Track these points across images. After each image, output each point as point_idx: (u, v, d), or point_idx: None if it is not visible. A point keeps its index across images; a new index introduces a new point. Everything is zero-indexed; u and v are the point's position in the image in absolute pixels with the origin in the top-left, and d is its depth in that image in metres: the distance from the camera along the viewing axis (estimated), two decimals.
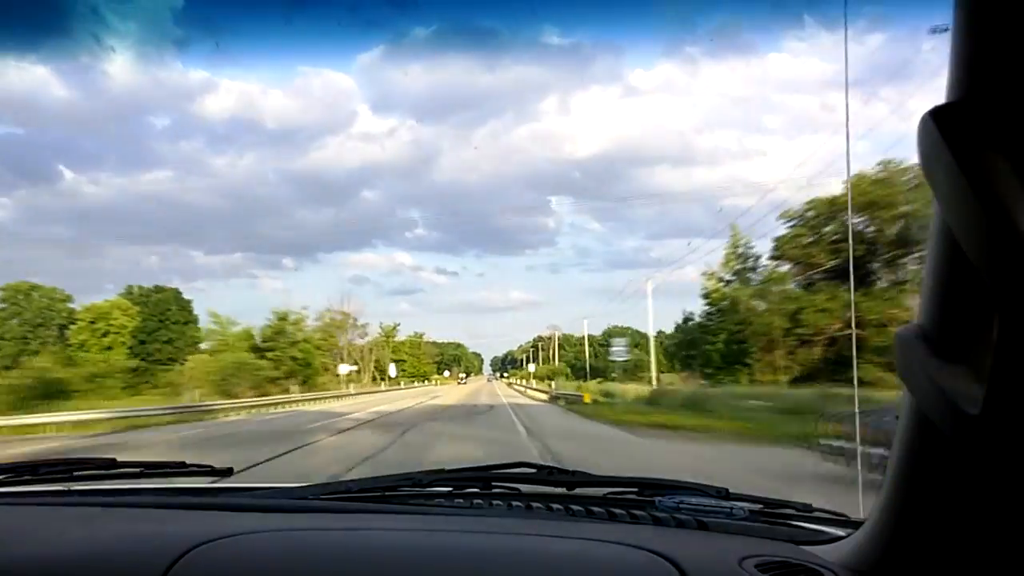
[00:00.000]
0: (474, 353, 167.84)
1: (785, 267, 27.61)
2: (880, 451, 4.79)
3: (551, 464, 1.49)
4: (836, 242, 24.78)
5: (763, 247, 29.83)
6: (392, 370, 60.49)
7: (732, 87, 70.51)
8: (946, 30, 0.50)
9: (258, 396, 31.86)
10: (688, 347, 34.52)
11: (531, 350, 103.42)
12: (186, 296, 47.29)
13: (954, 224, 0.51)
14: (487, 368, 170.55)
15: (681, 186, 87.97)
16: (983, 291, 0.52)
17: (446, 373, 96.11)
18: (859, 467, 3.80)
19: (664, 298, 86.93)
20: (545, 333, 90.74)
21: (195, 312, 44.81)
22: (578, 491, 1.43)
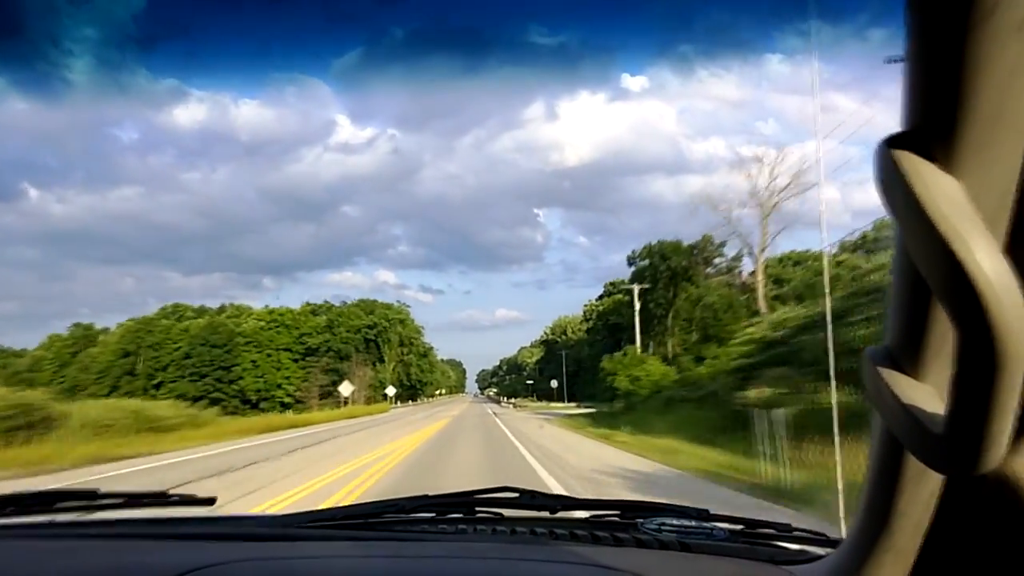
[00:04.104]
0: (450, 361, 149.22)
1: None
2: None
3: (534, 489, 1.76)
4: None
5: None
6: None
7: (727, 90, 67.73)
8: (901, 60, 0.56)
9: None
10: None
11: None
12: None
13: (911, 248, 0.58)
14: (472, 385, 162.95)
15: (673, 195, 76.59)
16: (943, 312, 0.59)
17: None
18: (839, 488, 4.22)
19: None
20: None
21: None
22: (561, 514, 1.62)
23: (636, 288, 43.15)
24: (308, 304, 77.91)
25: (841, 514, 3.74)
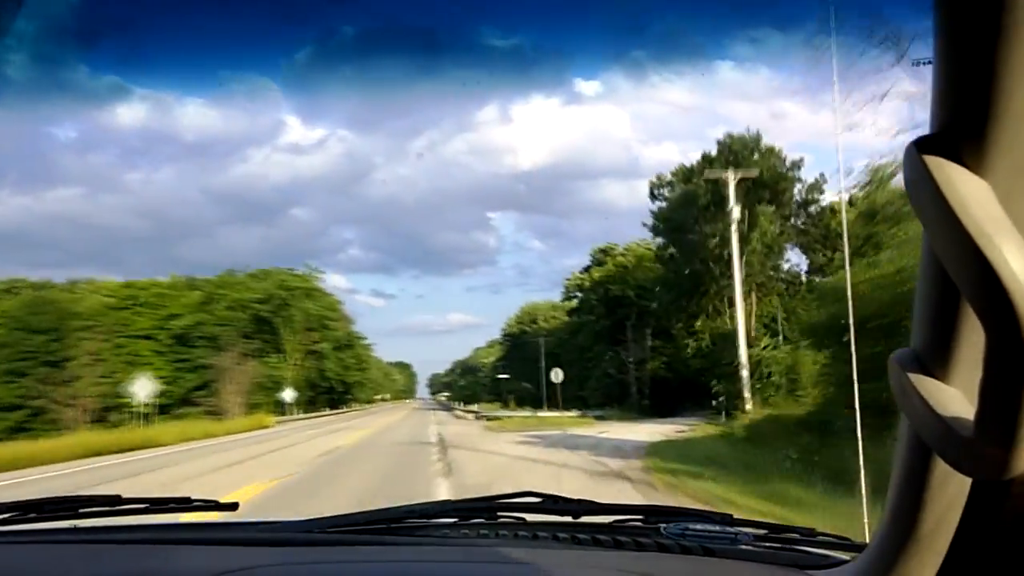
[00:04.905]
0: (398, 364, 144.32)
1: None
2: None
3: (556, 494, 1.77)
4: None
5: None
6: None
7: (679, 96, 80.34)
8: (928, 63, 0.56)
9: None
10: None
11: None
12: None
13: (940, 251, 0.59)
14: (423, 390, 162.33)
15: (627, 201, 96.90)
16: (971, 315, 0.59)
17: None
18: (863, 492, 4.04)
19: None
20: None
21: None
22: (584, 519, 1.63)
23: (732, 177, 23.17)
24: (190, 277, 56.58)
25: (865, 519, 3.72)
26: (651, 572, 1.28)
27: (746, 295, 32.23)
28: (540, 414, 40.35)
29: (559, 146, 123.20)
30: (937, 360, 0.65)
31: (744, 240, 30.22)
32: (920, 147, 0.57)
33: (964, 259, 0.54)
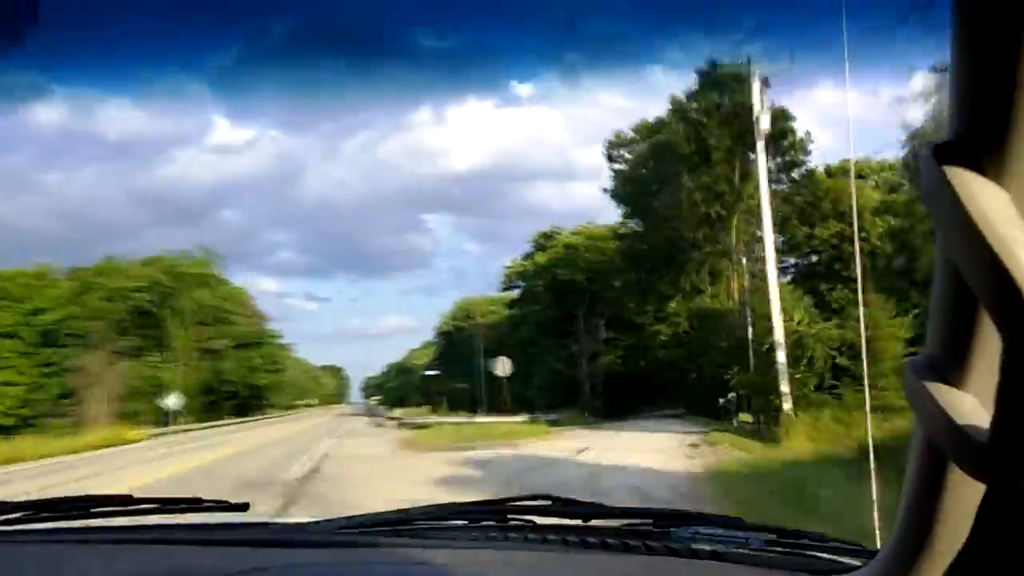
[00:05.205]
0: (328, 368, 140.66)
1: None
2: None
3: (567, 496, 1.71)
4: None
5: None
6: None
7: (612, 99, 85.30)
8: (945, 69, 0.56)
9: None
10: None
11: None
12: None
13: (956, 257, 0.58)
14: (357, 394, 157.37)
15: (561, 203, 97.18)
16: (987, 321, 0.60)
17: None
18: (874, 497, 4.01)
19: None
20: None
21: None
22: (594, 523, 1.64)
23: (755, 74, 16.57)
24: (71, 267, 48.00)
25: (876, 524, 3.74)
26: None
27: (727, 270, 26.44)
28: (478, 420, 33.45)
29: (494, 148, 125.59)
30: (952, 366, 0.65)
31: (735, 196, 24.27)
32: (938, 154, 0.56)
33: (981, 266, 0.53)
